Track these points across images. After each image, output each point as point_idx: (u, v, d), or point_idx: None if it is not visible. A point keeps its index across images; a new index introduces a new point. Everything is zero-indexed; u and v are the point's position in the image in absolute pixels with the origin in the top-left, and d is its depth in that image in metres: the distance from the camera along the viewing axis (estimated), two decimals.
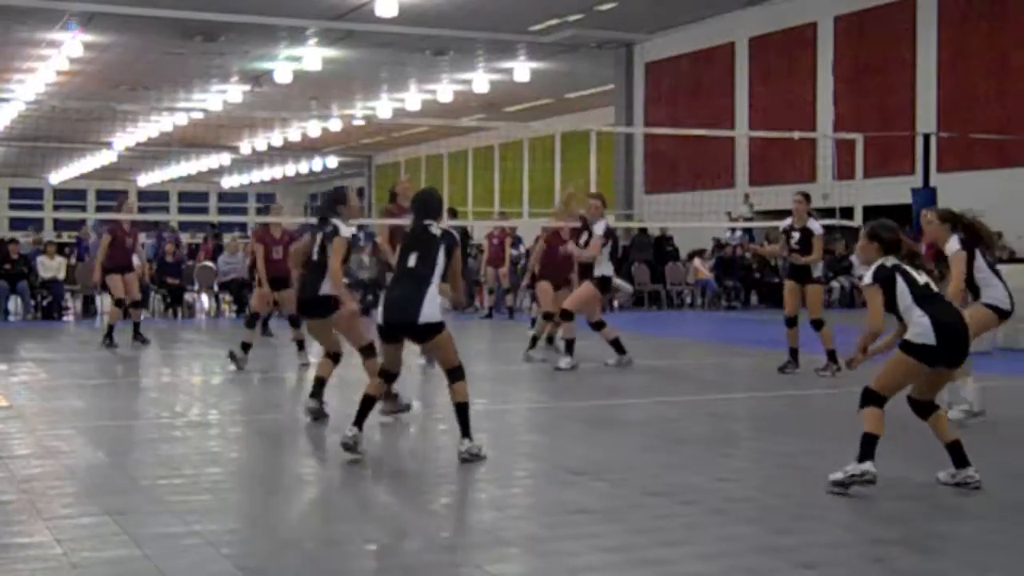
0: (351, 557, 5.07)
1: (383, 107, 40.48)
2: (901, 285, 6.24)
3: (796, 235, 11.93)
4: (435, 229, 7.26)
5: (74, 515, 5.76)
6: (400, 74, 35.68)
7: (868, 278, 6.39)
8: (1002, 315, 8.47)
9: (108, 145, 48.35)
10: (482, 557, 4.99)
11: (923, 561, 4.96)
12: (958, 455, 6.32)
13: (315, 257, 8.71)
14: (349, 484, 6.61)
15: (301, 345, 12.59)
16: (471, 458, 6.99)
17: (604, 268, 12.20)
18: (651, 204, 29.16)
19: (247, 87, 36.79)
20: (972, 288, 8.46)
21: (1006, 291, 8.43)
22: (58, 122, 34.92)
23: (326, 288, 8.61)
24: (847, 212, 17.42)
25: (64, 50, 29.32)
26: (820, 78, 26.23)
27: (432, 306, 7.01)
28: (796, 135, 19.68)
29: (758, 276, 24.54)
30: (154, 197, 58.12)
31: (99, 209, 51.70)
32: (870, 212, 17.92)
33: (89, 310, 20.95)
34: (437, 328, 7.02)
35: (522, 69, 33.42)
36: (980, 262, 8.41)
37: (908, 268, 6.34)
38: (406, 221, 11.82)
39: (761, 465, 6.93)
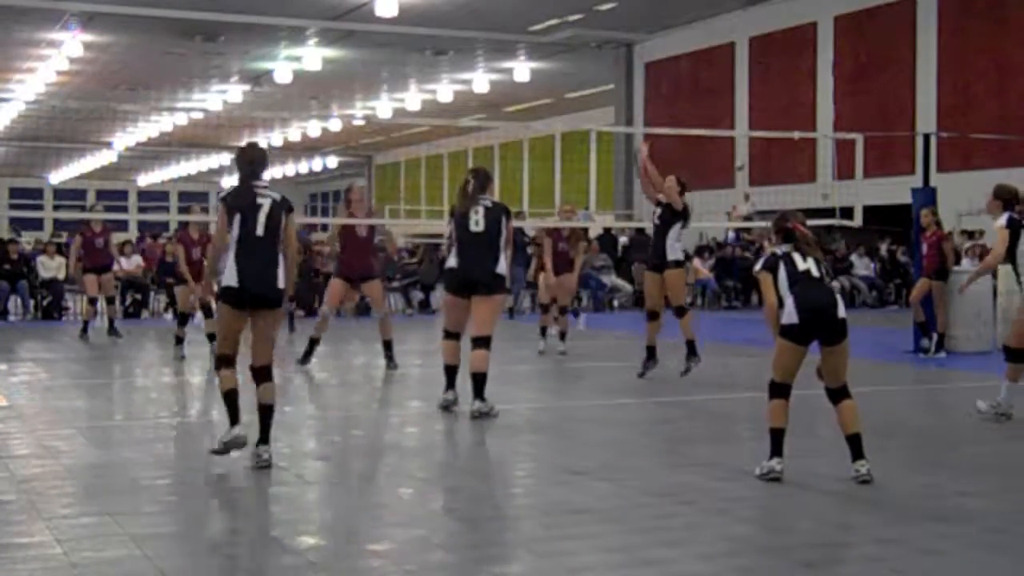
0: (352, 557, 5.07)
1: (383, 107, 40.48)
2: (782, 272, 6.60)
3: (659, 209, 11.15)
4: (272, 192, 7.02)
5: (74, 515, 5.76)
6: (400, 74, 35.68)
7: (758, 265, 6.82)
8: None
9: (108, 145, 48.36)
10: (482, 557, 4.99)
11: (923, 561, 4.96)
12: (855, 448, 6.52)
13: (259, 232, 7.52)
14: (349, 484, 6.61)
15: (212, 337, 12.81)
16: (263, 465, 6.75)
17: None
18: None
19: (247, 87, 36.80)
20: (1016, 268, 8.63)
21: None
22: (58, 122, 34.93)
23: None
24: (847, 212, 17.42)
25: (64, 50, 29.32)
26: (820, 78, 26.23)
27: (284, 275, 6.90)
28: (796, 135, 19.66)
29: None
30: (154, 197, 58.11)
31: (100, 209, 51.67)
32: (870, 212, 17.97)
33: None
34: (283, 297, 6.95)
35: (522, 69, 33.42)
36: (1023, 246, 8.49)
37: (795, 255, 6.65)
38: (359, 221, 12.09)
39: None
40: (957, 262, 14.35)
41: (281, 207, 6.96)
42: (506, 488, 6.54)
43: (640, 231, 26.37)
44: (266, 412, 6.90)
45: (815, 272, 6.63)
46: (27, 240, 25.06)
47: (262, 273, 6.80)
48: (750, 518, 5.72)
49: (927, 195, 14.58)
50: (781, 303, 6.59)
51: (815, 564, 4.86)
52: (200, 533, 5.37)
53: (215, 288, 7.32)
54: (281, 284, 6.87)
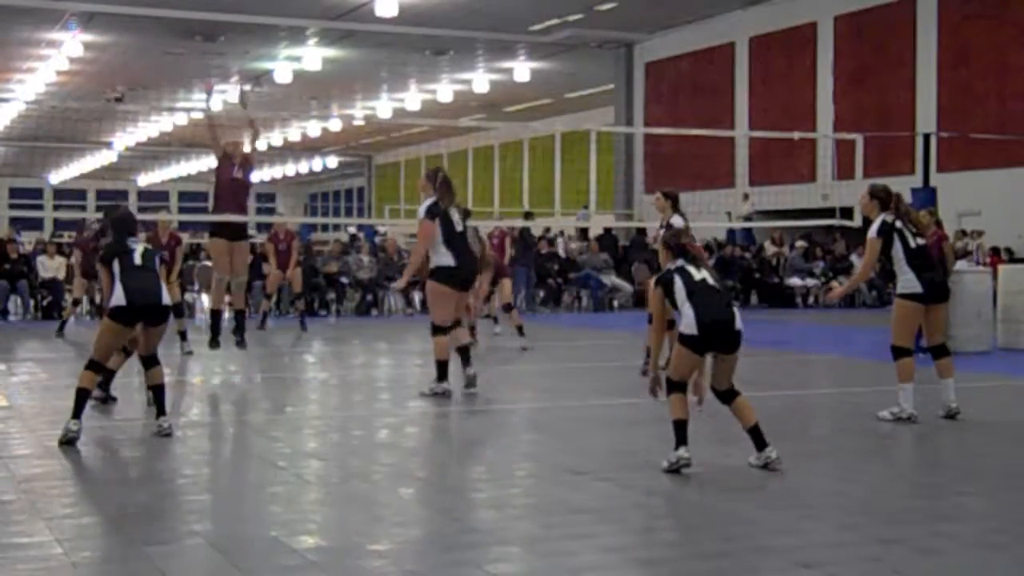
0: (351, 557, 5.07)
1: (383, 107, 40.50)
2: (678, 283, 6.83)
3: (663, 231, 11.91)
4: (138, 244, 8.00)
5: (74, 515, 5.76)
6: (400, 74, 35.70)
7: (652, 281, 7.09)
8: (920, 299, 8.51)
9: (108, 145, 48.37)
10: (482, 557, 4.99)
11: (923, 561, 4.96)
12: (757, 438, 6.77)
13: (138, 262, 8.08)
14: (349, 485, 6.61)
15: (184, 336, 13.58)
16: (165, 434, 7.75)
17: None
18: (651, 204, 29.17)
19: (247, 87, 36.79)
20: (892, 275, 8.77)
21: (918, 277, 8.49)
22: (58, 122, 34.93)
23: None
24: (847, 212, 17.43)
25: (64, 50, 29.34)
26: (820, 78, 26.24)
27: (167, 293, 7.91)
28: (796, 135, 19.69)
29: (758, 276, 24.57)
30: (154, 197, 58.16)
31: (99, 209, 51.78)
32: None
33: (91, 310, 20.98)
34: (169, 312, 7.98)
35: (522, 69, 33.42)
36: (897, 250, 8.54)
37: (689, 267, 6.89)
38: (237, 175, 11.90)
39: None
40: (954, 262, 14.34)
41: (153, 252, 8.06)
42: (506, 488, 6.53)
43: (640, 231, 26.40)
44: (158, 391, 7.91)
45: (711, 281, 6.87)
46: (27, 240, 25.01)
47: (147, 289, 7.74)
48: (750, 518, 5.72)
49: (927, 195, 14.59)
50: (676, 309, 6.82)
51: (815, 564, 4.86)
52: (200, 533, 5.37)
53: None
54: (167, 300, 7.83)
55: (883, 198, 8.69)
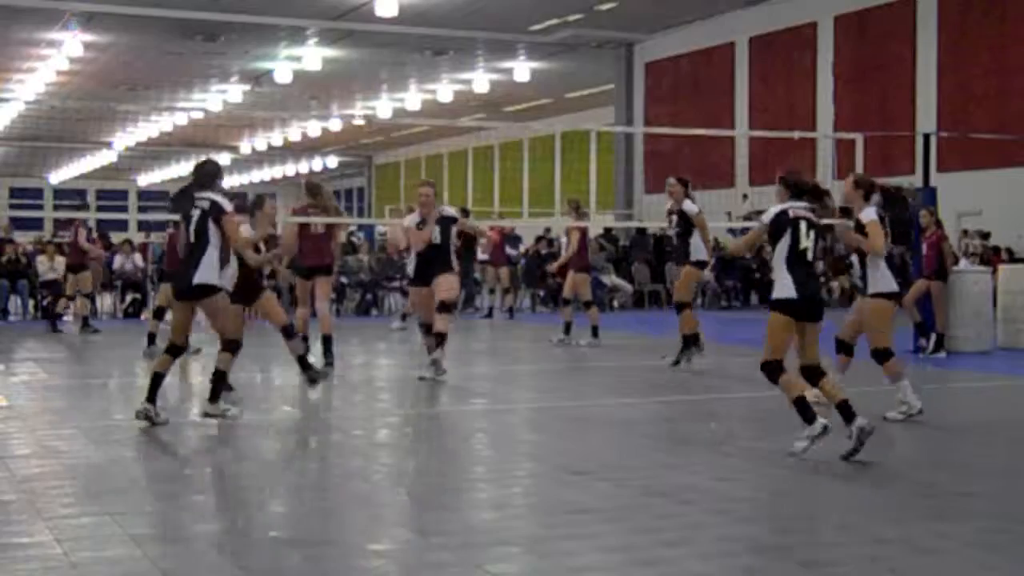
0: (352, 557, 5.07)
1: (383, 107, 40.47)
2: (784, 242, 7.02)
3: (674, 218, 12.16)
4: (205, 201, 8.06)
5: (74, 515, 5.76)
6: (400, 74, 35.67)
7: (767, 216, 7.17)
8: (895, 297, 8.66)
9: (108, 145, 48.35)
10: (482, 557, 4.99)
11: (923, 561, 4.96)
12: (847, 413, 6.84)
13: (191, 239, 8.09)
14: (349, 484, 6.61)
15: (152, 339, 13.17)
16: (209, 416, 8.18)
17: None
18: (651, 204, 29.17)
19: (247, 87, 36.78)
20: (862, 274, 8.76)
21: (895, 275, 8.66)
22: (58, 122, 34.88)
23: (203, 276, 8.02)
24: (847, 212, 17.40)
25: (64, 50, 29.31)
26: (820, 78, 26.22)
27: (207, 271, 7.93)
28: (796, 135, 19.66)
29: (758, 276, 24.56)
30: (154, 197, 58.11)
31: (99, 209, 51.77)
32: None
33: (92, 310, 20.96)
34: (209, 290, 7.96)
35: (522, 69, 33.40)
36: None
37: (801, 227, 7.02)
38: (317, 220, 11.83)
39: (761, 465, 6.93)
40: (955, 262, 14.35)
41: (207, 215, 8.01)
42: (506, 488, 6.53)
43: (641, 231, 26.39)
44: (217, 375, 8.32)
45: (810, 254, 7.03)
46: (27, 240, 24.98)
47: (182, 273, 8.10)
48: (750, 518, 5.73)
49: (927, 195, 14.59)
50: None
51: (815, 564, 4.86)
52: (200, 533, 5.37)
53: None
54: (196, 279, 7.92)
55: (868, 189, 8.88)
